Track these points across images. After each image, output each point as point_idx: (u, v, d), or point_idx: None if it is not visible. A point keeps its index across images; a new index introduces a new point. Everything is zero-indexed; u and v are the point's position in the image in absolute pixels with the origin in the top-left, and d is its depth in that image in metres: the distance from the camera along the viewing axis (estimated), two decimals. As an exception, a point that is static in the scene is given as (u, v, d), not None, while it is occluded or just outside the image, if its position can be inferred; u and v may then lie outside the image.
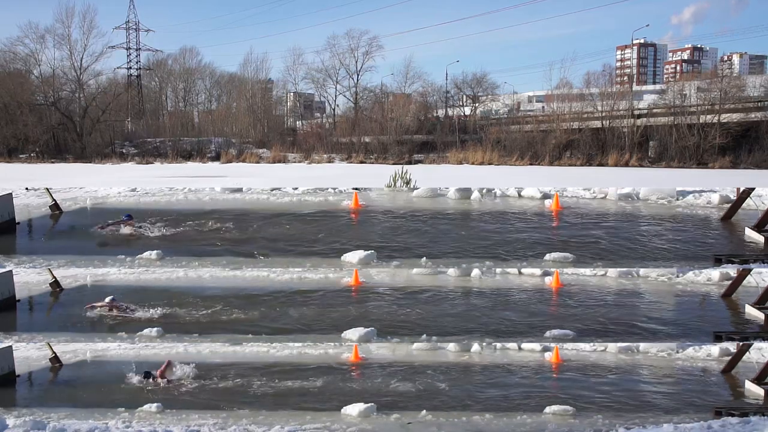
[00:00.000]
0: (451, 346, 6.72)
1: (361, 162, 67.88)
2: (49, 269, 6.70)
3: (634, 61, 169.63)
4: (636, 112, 65.03)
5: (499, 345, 6.71)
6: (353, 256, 6.56)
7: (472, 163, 63.37)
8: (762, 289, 6.65)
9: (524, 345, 6.73)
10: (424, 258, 6.61)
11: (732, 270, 6.69)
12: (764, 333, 6.42)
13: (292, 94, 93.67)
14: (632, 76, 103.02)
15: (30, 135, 70.81)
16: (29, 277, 6.78)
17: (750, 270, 6.67)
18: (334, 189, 7.34)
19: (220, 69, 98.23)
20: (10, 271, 6.62)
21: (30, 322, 6.58)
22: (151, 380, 6.58)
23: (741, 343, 6.56)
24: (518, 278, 6.92)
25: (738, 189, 6.97)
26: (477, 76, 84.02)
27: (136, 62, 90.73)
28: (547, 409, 6.28)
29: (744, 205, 6.91)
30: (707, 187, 7.36)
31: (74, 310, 6.64)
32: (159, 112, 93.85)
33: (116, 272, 6.77)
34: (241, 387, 6.56)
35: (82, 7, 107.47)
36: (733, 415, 6.17)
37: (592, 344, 6.76)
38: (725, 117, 59.29)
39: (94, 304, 6.58)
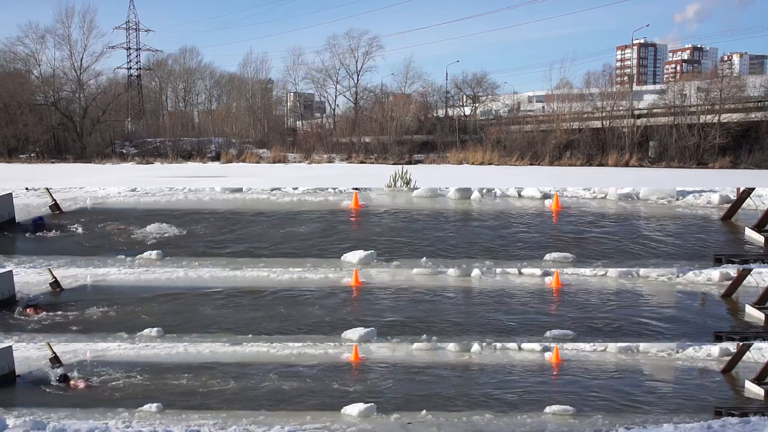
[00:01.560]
0: (451, 346, 6.72)
1: (361, 162, 67.85)
2: (49, 269, 6.70)
3: (634, 61, 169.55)
4: (636, 112, 65.02)
5: (499, 345, 6.71)
6: (353, 256, 6.56)
7: (472, 163, 63.35)
8: (762, 289, 6.66)
9: (524, 345, 6.73)
10: (424, 258, 6.61)
11: (732, 270, 6.69)
12: (764, 333, 6.42)
13: (292, 94, 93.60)
14: (632, 76, 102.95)
15: (30, 135, 70.77)
16: (29, 277, 6.78)
17: (750, 270, 6.67)
18: (334, 189, 7.35)
19: (220, 69, 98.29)
20: (10, 271, 6.62)
21: (30, 321, 6.57)
22: (64, 383, 6.60)
23: (741, 343, 6.56)
24: (518, 278, 6.92)
25: (738, 189, 6.97)
26: (477, 76, 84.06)
27: (136, 62, 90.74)
28: (547, 409, 6.28)
29: (744, 205, 6.91)
30: (707, 187, 7.36)
31: (74, 310, 6.64)
32: (159, 112, 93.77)
33: (116, 272, 6.77)
34: (241, 387, 6.56)
35: (82, 7, 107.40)
36: (733, 415, 6.17)
37: (592, 344, 6.76)
38: (725, 117, 59.27)
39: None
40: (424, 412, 6.20)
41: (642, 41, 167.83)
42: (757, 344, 6.56)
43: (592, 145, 64.08)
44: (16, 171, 47.73)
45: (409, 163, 59.15)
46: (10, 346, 6.58)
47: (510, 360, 6.79)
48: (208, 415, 6.16)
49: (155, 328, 6.42)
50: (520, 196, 7.29)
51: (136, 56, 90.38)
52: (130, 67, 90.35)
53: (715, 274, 6.83)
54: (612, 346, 6.84)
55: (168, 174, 44.35)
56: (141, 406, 6.26)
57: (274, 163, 68.50)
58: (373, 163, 66.41)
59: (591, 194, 7.30)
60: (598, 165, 60.19)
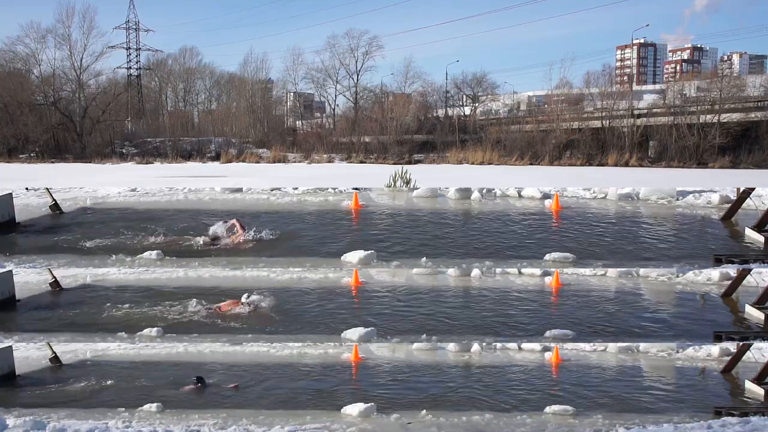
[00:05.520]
0: (451, 346, 6.72)
1: (361, 162, 67.78)
2: (49, 269, 6.71)
3: (634, 61, 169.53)
4: (636, 112, 65.00)
5: (499, 345, 6.71)
6: (353, 256, 6.56)
7: (472, 163, 63.27)
8: (762, 289, 6.66)
9: (524, 345, 6.73)
10: (424, 258, 6.61)
11: (732, 270, 6.70)
12: (764, 333, 6.42)
13: (292, 94, 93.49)
14: (632, 76, 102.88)
15: (30, 135, 70.67)
16: (29, 277, 6.78)
17: (750, 270, 6.67)
18: (334, 189, 7.35)
19: (220, 69, 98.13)
20: (10, 271, 6.63)
21: (30, 322, 6.57)
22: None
23: (741, 343, 6.56)
24: (518, 278, 6.92)
25: (738, 189, 6.98)
26: (477, 76, 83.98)
27: (136, 62, 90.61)
28: (547, 409, 6.28)
29: (744, 205, 6.92)
30: (707, 187, 7.37)
31: (74, 310, 6.64)
32: (159, 112, 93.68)
33: (116, 272, 6.77)
34: (241, 387, 6.56)
35: (82, 7, 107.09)
36: (733, 415, 6.17)
37: (592, 344, 6.76)
38: (725, 117, 59.25)
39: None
40: (424, 412, 6.20)
41: (642, 41, 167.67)
42: (757, 344, 6.56)
43: (592, 145, 64.02)
44: (16, 171, 47.66)
45: (409, 163, 59.07)
46: (10, 346, 6.58)
47: (510, 360, 6.79)
48: (208, 415, 6.16)
49: (155, 328, 6.42)
50: (520, 196, 7.29)
51: (136, 56, 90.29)
52: (130, 67, 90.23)
53: (715, 274, 6.83)
54: (612, 346, 6.84)
55: (168, 174, 44.31)
56: (141, 406, 6.26)
57: (274, 162, 68.40)
58: (373, 163, 66.31)
59: (591, 194, 7.30)
60: (598, 165, 60.13)
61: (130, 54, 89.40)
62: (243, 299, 6.62)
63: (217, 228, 6.82)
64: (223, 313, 6.59)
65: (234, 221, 6.81)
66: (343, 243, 6.71)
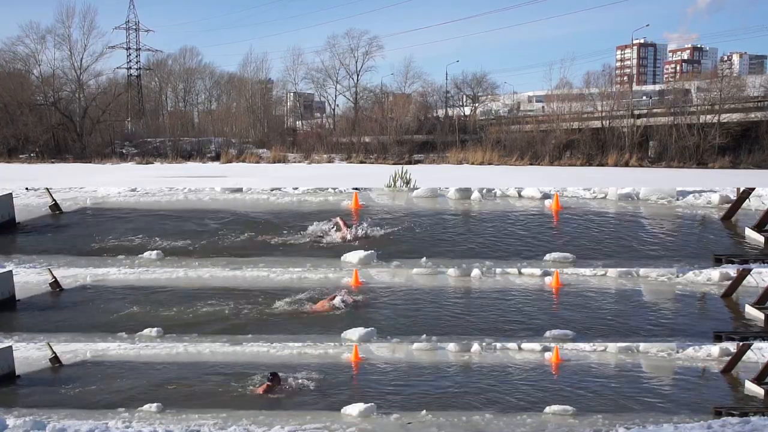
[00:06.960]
0: (451, 346, 6.72)
1: (361, 162, 67.78)
2: (49, 269, 6.71)
3: (634, 61, 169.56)
4: (636, 112, 65.00)
5: (499, 345, 6.71)
6: (353, 256, 6.56)
7: (472, 163, 63.27)
8: (762, 289, 6.66)
9: (524, 345, 6.73)
10: (424, 258, 6.61)
11: (732, 270, 6.69)
12: (764, 333, 6.42)
13: (292, 94, 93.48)
14: (632, 76, 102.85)
15: (30, 135, 70.67)
16: (29, 277, 6.78)
17: (750, 270, 6.67)
18: (334, 189, 7.35)
19: (220, 69, 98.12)
20: (10, 271, 6.63)
21: (30, 322, 6.57)
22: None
23: (741, 343, 6.56)
24: (518, 278, 6.92)
25: (738, 189, 6.98)
26: (477, 76, 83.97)
27: (136, 62, 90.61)
28: (547, 409, 6.28)
29: (744, 205, 6.91)
30: (707, 187, 7.37)
31: (74, 310, 6.64)
32: (159, 112, 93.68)
33: (116, 272, 6.77)
34: (242, 387, 6.56)
35: (82, 7, 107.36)
36: (733, 415, 6.17)
37: (592, 344, 6.76)
38: (725, 117, 59.25)
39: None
40: (424, 412, 6.20)
41: (642, 41, 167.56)
42: (757, 344, 6.56)
43: (592, 145, 64.02)
44: (16, 171, 47.64)
45: (409, 163, 59.05)
46: (10, 346, 6.58)
47: (510, 360, 6.79)
48: (208, 415, 6.16)
49: (155, 328, 6.42)
50: (520, 196, 7.29)
51: (136, 56, 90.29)
52: (130, 67, 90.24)
53: (715, 274, 6.83)
54: (612, 346, 6.84)
55: (168, 174, 44.29)
56: (141, 406, 6.26)
57: (274, 163, 68.39)
58: (373, 163, 66.30)
59: (591, 194, 7.30)
60: (598, 165, 60.13)
61: (130, 54, 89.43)
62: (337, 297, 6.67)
63: (317, 227, 6.83)
64: (318, 313, 6.60)
65: (338, 219, 6.84)
66: (344, 243, 6.70)
